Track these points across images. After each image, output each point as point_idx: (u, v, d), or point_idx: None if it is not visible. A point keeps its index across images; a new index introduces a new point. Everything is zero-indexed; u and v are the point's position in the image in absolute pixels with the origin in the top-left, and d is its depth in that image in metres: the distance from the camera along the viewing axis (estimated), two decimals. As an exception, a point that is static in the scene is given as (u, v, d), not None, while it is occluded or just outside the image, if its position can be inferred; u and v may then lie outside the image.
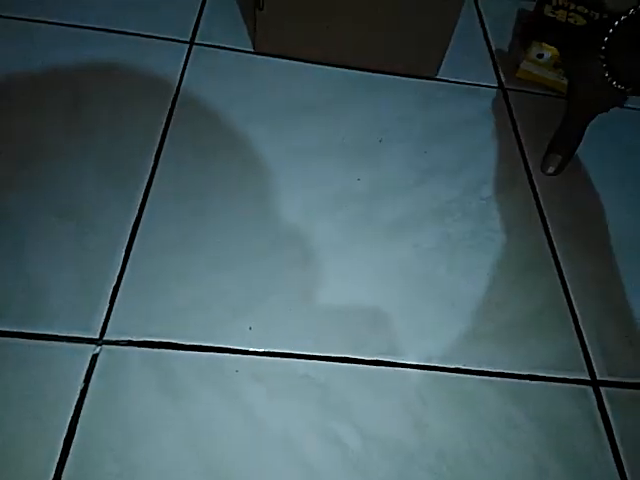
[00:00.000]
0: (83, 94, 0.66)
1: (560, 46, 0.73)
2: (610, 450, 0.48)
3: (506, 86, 0.79)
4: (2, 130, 0.60)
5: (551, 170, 0.68)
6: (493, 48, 0.85)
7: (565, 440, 0.48)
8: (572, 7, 0.80)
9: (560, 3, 0.80)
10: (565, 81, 0.74)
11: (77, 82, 0.67)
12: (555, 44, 0.75)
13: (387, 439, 0.46)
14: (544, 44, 0.76)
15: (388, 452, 0.45)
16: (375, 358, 0.50)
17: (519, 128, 0.74)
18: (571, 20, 0.78)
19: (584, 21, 0.78)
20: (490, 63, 0.83)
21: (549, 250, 0.61)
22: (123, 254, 0.52)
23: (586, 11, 0.80)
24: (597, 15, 0.80)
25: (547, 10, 0.79)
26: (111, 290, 0.50)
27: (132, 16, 0.76)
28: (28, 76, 0.66)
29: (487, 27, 0.89)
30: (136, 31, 0.74)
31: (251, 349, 0.49)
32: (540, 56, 0.77)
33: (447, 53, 0.76)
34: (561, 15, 0.79)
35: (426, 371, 0.50)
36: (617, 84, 0.59)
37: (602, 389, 0.51)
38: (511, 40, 0.87)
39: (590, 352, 0.54)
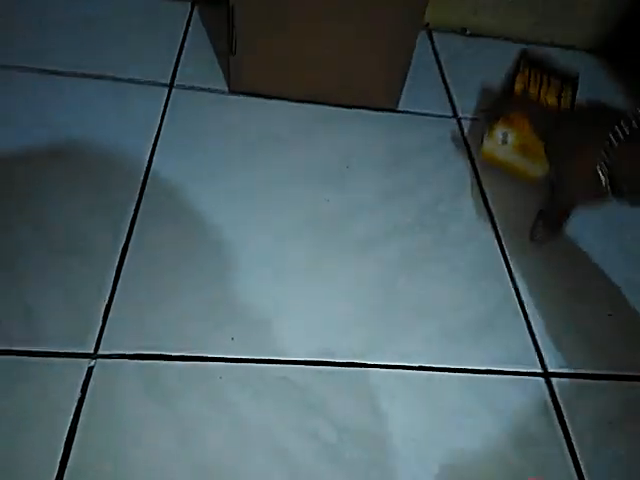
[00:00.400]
0: (65, 141, 0.71)
1: (545, 136, 0.62)
2: (561, 430, 0.53)
3: (461, 118, 0.88)
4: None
5: (538, 238, 0.68)
6: (447, 81, 0.94)
7: (519, 424, 0.53)
8: (544, 81, 0.71)
9: (531, 77, 0.71)
10: (534, 169, 0.71)
11: (57, 126, 0.72)
12: (540, 135, 0.65)
13: (359, 430, 0.50)
14: (510, 126, 0.69)
15: (360, 441, 0.50)
16: (347, 360, 0.55)
17: (471, 148, 0.82)
18: (545, 98, 0.69)
19: (555, 101, 0.69)
20: (445, 94, 0.91)
21: (502, 258, 0.68)
22: (113, 276, 0.57)
23: (559, 86, 0.71)
24: (569, 93, 0.71)
25: (518, 86, 0.70)
26: (103, 309, 0.55)
27: (113, 60, 0.83)
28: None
29: (442, 62, 0.98)
30: (117, 75, 0.81)
31: (234, 357, 0.54)
32: (504, 139, 0.70)
33: (406, 87, 0.84)
34: (533, 92, 0.70)
35: (393, 370, 0.55)
36: (615, 191, 0.52)
37: (553, 380, 0.57)
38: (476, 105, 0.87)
39: (541, 347, 0.60)
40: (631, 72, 1.06)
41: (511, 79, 0.72)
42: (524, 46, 1.07)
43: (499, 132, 0.71)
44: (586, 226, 0.72)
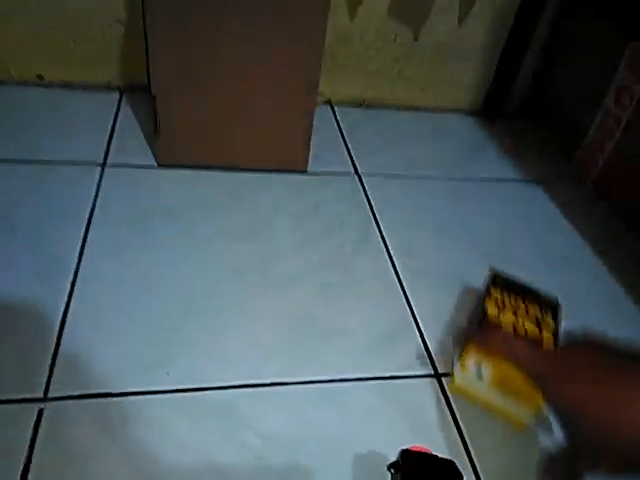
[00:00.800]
0: (9, 221, 0.80)
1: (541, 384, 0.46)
2: (452, 421, 0.64)
3: (361, 175, 1.03)
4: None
5: None
6: (348, 145, 1.10)
7: (419, 417, 0.63)
8: (520, 306, 0.63)
9: (505, 300, 0.64)
10: (519, 412, 0.60)
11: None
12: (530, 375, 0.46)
13: (280, 437, 0.59)
14: (485, 356, 0.58)
15: (282, 446, 0.58)
16: (270, 381, 0.65)
17: (371, 199, 0.96)
18: (523, 324, 0.61)
19: (535, 329, 0.61)
20: (347, 156, 1.07)
21: (398, 285, 0.81)
22: (59, 324, 0.65)
23: (537, 312, 0.63)
24: (550, 320, 0.62)
25: (491, 310, 0.63)
26: (50, 357, 0.62)
27: (44, 145, 0.93)
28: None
29: (343, 130, 1.15)
30: (48, 158, 0.91)
31: (170, 388, 0.62)
32: (479, 372, 0.59)
33: (314, 152, 0.99)
34: (508, 318, 0.62)
35: (311, 384, 0.65)
36: None
37: (443, 379, 0.68)
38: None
39: (433, 354, 0.71)
40: (505, 131, 1.27)
41: (482, 303, 0.65)
42: (414, 112, 1.27)
43: (472, 364, 0.59)
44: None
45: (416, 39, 1.18)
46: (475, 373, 0.59)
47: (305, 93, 0.91)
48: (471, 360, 0.59)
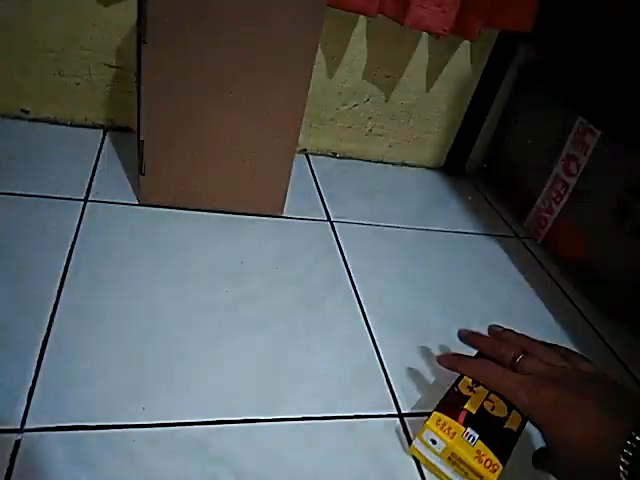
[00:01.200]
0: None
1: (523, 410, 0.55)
2: (414, 460, 0.68)
3: (333, 222, 1.09)
4: None
5: None
6: (322, 193, 1.17)
7: (381, 456, 0.67)
8: (491, 397, 0.63)
9: (477, 388, 0.64)
10: None
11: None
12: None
13: (253, 473, 0.62)
14: (442, 429, 0.60)
15: (255, 481, 0.61)
16: (243, 418, 0.67)
17: (342, 246, 1.02)
18: (490, 405, 0.62)
19: (505, 412, 0.61)
20: (320, 203, 1.14)
21: (366, 329, 0.86)
22: (37, 356, 0.66)
23: (506, 406, 0.62)
24: (518, 416, 0.61)
25: (464, 390, 0.64)
26: (28, 389, 0.63)
27: (26, 180, 0.96)
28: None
29: (317, 178, 1.22)
30: (29, 192, 0.93)
31: (145, 423, 0.64)
32: (433, 442, 0.61)
33: (289, 198, 1.04)
34: (479, 396, 0.63)
35: (281, 422, 0.68)
36: None
37: (406, 419, 0.73)
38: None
39: (396, 395, 0.76)
40: (467, 188, 1.38)
41: (454, 384, 0.66)
42: (384, 165, 1.36)
43: (428, 434, 0.62)
44: None
45: (387, 100, 1.28)
46: (430, 443, 0.62)
47: (285, 144, 0.97)
48: (429, 430, 0.61)
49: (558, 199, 1.13)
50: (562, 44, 1.14)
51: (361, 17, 1.15)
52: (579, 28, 1.10)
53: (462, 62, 1.26)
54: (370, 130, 1.33)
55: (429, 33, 1.15)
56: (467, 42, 1.23)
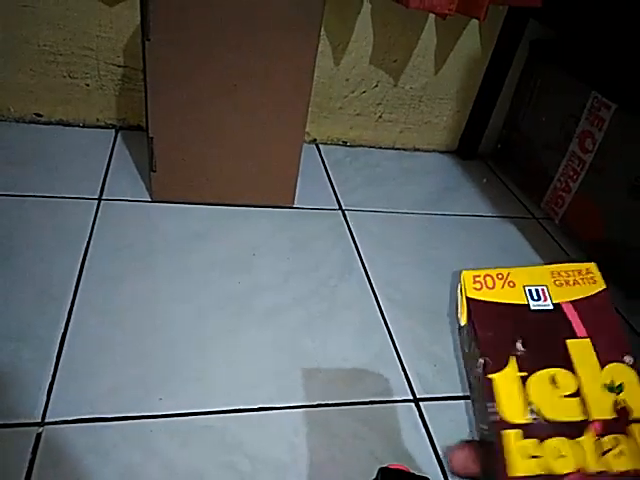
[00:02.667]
0: (8, 254, 0.83)
1: None
2: (429, 443, 0.68)
3: (345, 211, 1.09)
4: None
5: None
6: (333, 182, 1.16)
7: (396, 440, 0.67)
8: None
9: None
10: None
11: None
12: None
13: (270, 460, 0.62)
14: None
15: (270, 469, 0.61)
16: (259, 406, 0.68)
17: (354, 234, 1.02)
18: None
19: None
20: (332, 192, 1.13)
21: (380, 316, 0.85)
22: (56, 351, 0.68)
23: None
24: None
25: None
26: (48, 383, 0.65)
27: (43, 180, 0.98)
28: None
29: (328, 168, 1.21)
30: (45, 193, 0.95)
31: (162, 413, 0.65)
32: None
33: (300, 188, 1.04)
34: None
35: (296, 409, 0.69)
36: None
37: (421, 403, 0.73)
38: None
39: (411, 380, 0.76)
40: (480, 171, 1.35)
41: None
42: (394, 151, 1.35)
43: None
44: None
45: (395, 85, 1.26)
46: None
47: (293, 134, 0.97)
48: None
49: (575, 176, 1.10)
50: (574, 17, 1.11)
51: (365, 2, 1.14)
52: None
53: (471, 42, 1.24)
54: (380, 116, 1.31)
55: (435, 14, 1.13)
56: (475, 21, 1.20)
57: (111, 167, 1.07)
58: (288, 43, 0.87)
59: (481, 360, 0.33)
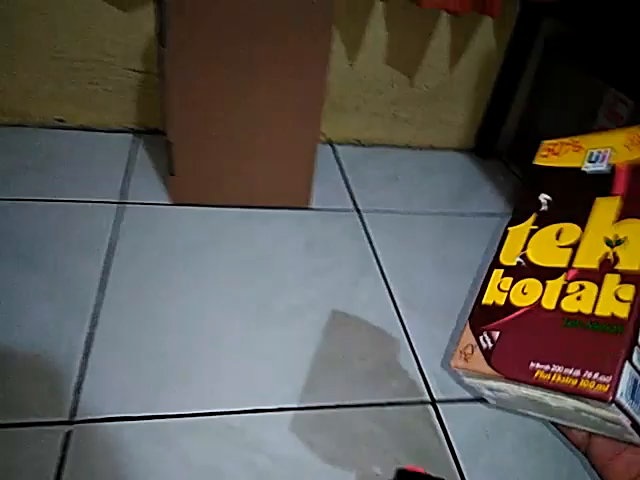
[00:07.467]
0: (32, 258, 0.86)
1: None
2: (446, 443, 0.69)
3: (361, 211, 1.10)
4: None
5: None
6: (349, 183, 1.17)
7: (414, 442, 0.68)
8: None
9: None
10: None
11: (20, 246, 0.87)
12: None
13: (289, 458, 0.64)
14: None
15: (290, 466, 0.63)
16: (278, 406, 0.70)
17: (370, 235, 1.03)
18: None
19: None
20: (347, 193, 1.14)
21: (397, 316, 0.86)
22: (82, 354, 0.70)
23: None
24: None
25: None
26: (75, 384, 0.67)
27: (66, 187, 1.00)
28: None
29: (344, 168, 1.22)
30: (67, 198, 0.98)
31: (184, 412, 0.67)
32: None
33: (317, 189, 1.05)
34: None
35: (313, 410, 0.70)
36: None
37: (439, 405, 0.73)
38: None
39: (429, 381, 0.76)
40: (497, 169, 1.35)
41: None
42: (410, 151, 1.35)
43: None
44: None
45: (411, 84, 1.27)
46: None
47: (308, 136, 0.98)
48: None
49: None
50: (590, 12, 1.10)
51: (379, 1, 1.14)
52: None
53: (486, 39, 1.23)
54: (395, 115, 1.32)
55: (448, 12, 1.13)
56: (489, 19, 1.20)
57: (131, 171, 1.09)
58: (302, 46, 0.88)
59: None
